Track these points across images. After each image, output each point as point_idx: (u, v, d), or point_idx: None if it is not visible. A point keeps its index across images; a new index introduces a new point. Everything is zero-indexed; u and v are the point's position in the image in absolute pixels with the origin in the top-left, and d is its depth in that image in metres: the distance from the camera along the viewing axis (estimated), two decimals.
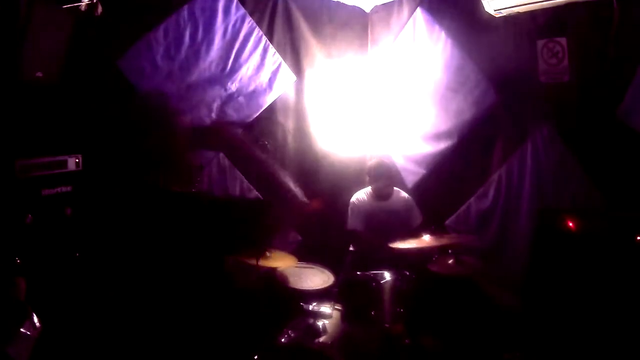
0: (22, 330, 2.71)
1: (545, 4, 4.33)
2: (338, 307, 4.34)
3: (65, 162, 3.73)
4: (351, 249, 5.02)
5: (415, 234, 4.54)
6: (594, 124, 4.28)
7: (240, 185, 5.14)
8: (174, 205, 2.21)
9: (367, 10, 5.70)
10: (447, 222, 5.13)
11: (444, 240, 4.35)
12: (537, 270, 4.31)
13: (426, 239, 4.35)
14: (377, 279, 4.23)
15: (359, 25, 5.69)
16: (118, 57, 4.53)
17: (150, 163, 2.26)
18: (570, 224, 4.10)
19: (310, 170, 5.51)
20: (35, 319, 2.70)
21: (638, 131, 4.07)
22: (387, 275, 4.25)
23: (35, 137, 3.77)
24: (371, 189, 5.04)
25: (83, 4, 4.04)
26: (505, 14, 4.52)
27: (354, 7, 5.63)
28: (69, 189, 3.71)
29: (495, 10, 4.48)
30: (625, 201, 4.10)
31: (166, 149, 2.24)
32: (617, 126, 4.14)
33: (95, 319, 2.39)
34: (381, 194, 4.99)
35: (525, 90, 4.63)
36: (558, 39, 4.42)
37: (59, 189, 3.65)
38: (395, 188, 5.08)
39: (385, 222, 4.87)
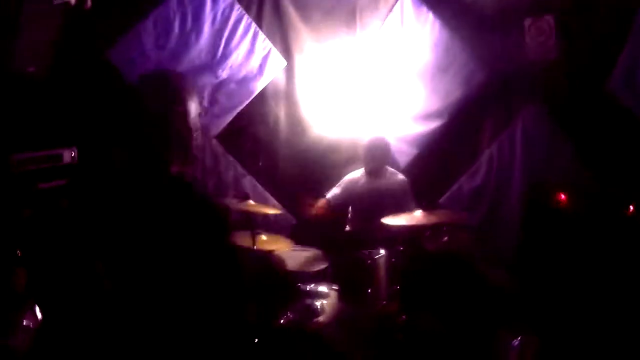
0: (23, 321, 2.77)
1: None
2: (335, 287, 4.43)
3: (60, 156, 3.78)
4: (347, 229, 5.09)
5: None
6: (583, 100, 4.34)
7: (234, 170, 5.19)
8: (170, 191, 2.24)
9: None
10: (440, 200, 5.18)
11: (435, 217, 4.37)
12: (528, 245, 4.38)
13: (418, 216, 4.36)
14: (372, 257, 4.28)
15: (347, 8, 5.69)
16: (109, 49, 4.56)
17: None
18: (561, 199, 4.17)
19: (303, 154, 5.55)
20: (37, 310, 2.75)
21: (626, 105, 4.13)
22: (382, 253, 4.30)
23: (30, 131, 3.82)
24: (364, 167, 5.07)
25: None
26: None
27: None
28: (64, 181, 3.77)
29: None
30: (614, 176, 4.16)
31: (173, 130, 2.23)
32: (606, 101, 4.21)
33: (94, 310, 2.43)
34: (374, 172, 5.00)
35: (514, 68, 4.69)
36: (545, 16, 4.47)
37: (55, 182, 3.71)
38: (390, 169, 5.11)
39: (379, 202, 4.86)
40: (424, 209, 4.39)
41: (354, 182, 5.07)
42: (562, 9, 4.41)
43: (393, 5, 5.43)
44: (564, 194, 4.16)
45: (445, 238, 4.34)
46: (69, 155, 3.82)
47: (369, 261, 4.27)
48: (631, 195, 3.92)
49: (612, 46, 4.20)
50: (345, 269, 4.43)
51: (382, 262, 4.29)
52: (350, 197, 5.04)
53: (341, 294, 4.36)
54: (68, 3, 3.94)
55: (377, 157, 4.97)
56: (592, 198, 4.11)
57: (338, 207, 5.01)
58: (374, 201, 4.90)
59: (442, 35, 5.10)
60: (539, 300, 4.13)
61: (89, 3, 4.13)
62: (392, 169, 5.14)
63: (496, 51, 4.73)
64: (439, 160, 5.27)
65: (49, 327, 2.59)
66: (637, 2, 4.11)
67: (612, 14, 4.16)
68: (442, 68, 5.12)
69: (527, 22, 4.52)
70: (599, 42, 4.24)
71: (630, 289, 3.70)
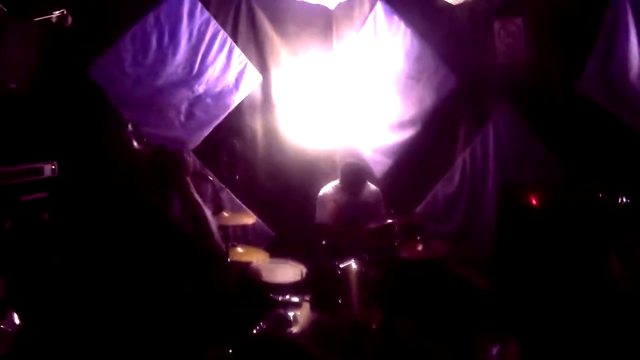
0: (1, 326, 2.78)
1: None
2: (307, 297, 4.40)
3: (41, 169, 3.87)
4: (323, 242, 5.07)
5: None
6: (553, 100, 4.32)
7: (211, 184, 5.20)
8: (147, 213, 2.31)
9: (331, 7, 5.79)
10: (416, 209, 5.15)
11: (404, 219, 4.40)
12: (503, 248, 4.34)
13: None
14: (342, 267, 4.28)
15: (323, 22, 5.78)
16: (89, 66, 4.63)
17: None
18: (532, 198, 4.13)
19: (280, 166, 5.57)
20: (15, 316, 2.77)
21: (597, 102, 4.10)
22: (353, 263, 4.29)
23: (11, 146, 3.91)
24: (342, 186, 5.06)
25: (54, 16, 4.15)
26: (462, 1, 4.59)
27: (317, 5, 5.72)
28: (45, 194, 3.84)
29: None
30: (586, 172, 4.12)
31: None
32: (576, 100, 4.18)
33: (72, 318, 2.45)
34: (352, 192, 5.02)
35: (485, 72, 4.70)
36: (514, 19, 4.48)
37: (36, 195, 3.78)
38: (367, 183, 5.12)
39: (354, 215, 4.88)
40: (392, 215, 4.42)
41: (329, 197, 5.07)
42: (531, 10, 4.41)
43: (367, 17, 5.51)
44: (537, 193, 4.12)
45: (420, 247, 4.31)
46: (50, 168, 3.92)
47: (340, 271, 4.26)
48: (605, 190, 3.87)
49: (581, 46, 4.18)
50: (317, 279, 4.43)
51: (353, 271, 4.27)
52: (329, 211, 5.03)
53: (313, 304, 4.35)
54: (49, 20, 4.04)
55: (354, 183, 4.99)
56: (566, 196, 4.07)
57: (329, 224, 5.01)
58: (348, 214, 4.91)
59: (413, 44, 5.14)
60: (517, 303, 4.08)
61: (70, 20, 4.23)
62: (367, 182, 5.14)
63: (466, 56, 4.76)
64: (414, 169, 5.27)
65: (27, 332, 2.61)
66: (605, 4, 4.10)
67: (581, 14, 4.15)
68: (414, 76, 5.15)
69: (497, 25, 4.53)
70: (569, 42, 4.23)
71: (605, 286, 3.63)
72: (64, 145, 4.20)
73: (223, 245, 2.84)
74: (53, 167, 3.93)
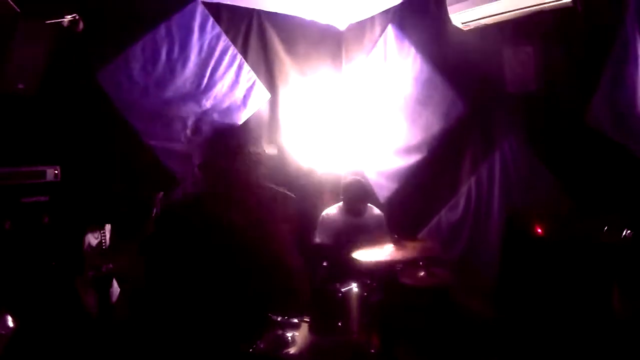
0: None
1: (511, 15, 4.40)
2: (306, 319, 4.35)
3: (44, 173, 3.90)
4: (324, 264, 5.02)
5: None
6: (562, 131, 4.31)
7: None
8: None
9: (342, 28, 5.84)
10: (419, 234, 5.12)
11: (406, 252, 4.32)
12: (507, 277, 4.30)
13: (388, 251, 4.32)
14: (343, 290, 4.23)
15: (333, 43, 5.83)
16: (98, 71, 4.61)
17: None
18: (538, 227, 4.11)
19: (284, 186, 5.49)
20: (9, 318, 2.72)
21: (604, 134, 4.08)
22: (354, 287, 4.24)
23: (15, 147, 3.89)
24: (344, 205, 5.06)
25: (65, 20, 4.15)
26: (472, 27, 4.59)
27: (328, 25, 5.77)
28: (46, 198, 3.83)
29: (463, 24, 4.55)
30: (595, 205, 4.10)
31: None
32: (586, 132, 4.17)
33: (69, 319, 2.43)
34: (355, 211, 5.01)
35: (493, 100, 4.66)
36: (524, 47, 4.47)
37: (37, 198, 3.77)
38: (368, 204, 5.09)
39: (356, 237, 4.79)
40: (395, 243, 4.37)
41: (332, 218, 5.06)
42: (542, 40, 4.41)
43: (377, 40, 5.54)
44: (543, 223, 4.10)
45: (422, 273, 4.26)
46: (52, 172, 3.91)
47: (340, 294, 4.21)
48: (613, 223, 3.86)
49: (591, 76, 4.19)
50: (317, 301, 4.37)
51: (353, 295, 4.23)
52: (330, 233, 5.01)
53: (312, 326, 4.30)
54: (61, 24, 4.04)
55: (357, 199, 4.99)
56: (572, 228, 4.05)
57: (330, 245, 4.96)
58: (350, 237, 4.84)
59: (422, 69, 5.14)
60: (521, 332, 4.03)
61: (82, 25, 4.23)
62: (370, 205, 5.13)
63: (475, 83, 4.73)
64: (419, 194, 5.23)
65: (22, 335, 2.56)
66: (614, 33, 4.13)
67: (591, 44, 4.16)
68: (422, 101, 5.14)
69: (507, 53, 4.52)
70: (579, 72, 4.23)
71: (610, 318, 3.60)
72: (68, 150, 4.20)
73: None
74: (56, 171, 3.97)
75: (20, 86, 3.76)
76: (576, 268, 3.82)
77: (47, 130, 4.16)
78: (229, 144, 5.20)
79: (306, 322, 4.34)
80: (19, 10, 3.63)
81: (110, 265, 3.65)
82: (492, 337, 4.23)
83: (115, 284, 3.77)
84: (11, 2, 3.54)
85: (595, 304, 3.69)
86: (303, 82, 5.63)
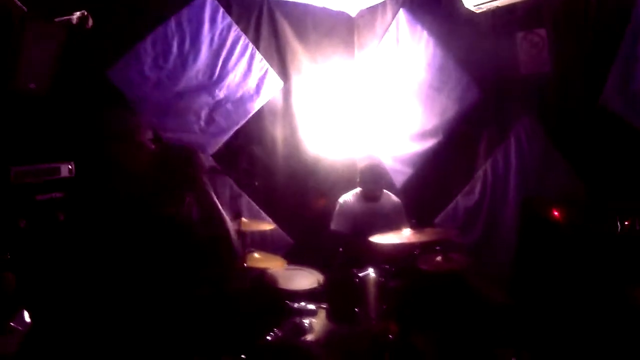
0: (11, 324, 2.79)
1: None
2: (323, 305, 4.37)
3: (58, 169, 3.87)
4: (341, 250, 5.03)
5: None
6: (576, 114, 4.25)
7: (230, 190, 5.20)
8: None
9: (353, 14, 5.79)
10: (435, 220, 5.11)
11: (424, 236, 4.31)
12: (523, 262, 4.29)
13: (406, 235, 4.32)
14: (361, 277, 4.24)
15: (345, 29, 5.78)
16: (108, 68, 4.63)
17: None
18: (555, 213, 4.07)
19: (300, 174, 5.58)
20: (26, 315, 2.77)
21: (620, 116, 4.02)
22: (371, 273, 4.24)
23: (29, 145, 3.93)
24: (360, 190, 5.06)
25: (74, 17, 4.17)
26: (484, 9, 4.53)
27: (339, 12, 5.73)
28: (61, 194, 3.85)
29: (475, 6, 4.48)
30: (608, 190, 4.05)
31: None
32: (599, 114, 4.10)
33: (84, 319, 2.45)
34: (371, 196, 5.00)
35: (507, 83, 4.62)
36: (537, 30, 4.40)
37: (52, 195, 3.80)
38: (385, 191, 5.08)
39: (373, 224, 4.79)
40: (413, 227, 4.36)
41: (349, 205, 5.06)
42: (554, 22, 4.34)
43: (389, 25, 5.48)
44: (559, 209, 4.06)
45: (439, 257, 4.25)
46: (67, 168, 3.93)
47: (358, 280, 4.22)
48: (627, 208, 3.80)
49: (605, 58, 4.11)
50: (334, 287, 4.40)
51: (371, 281, 4.23)
52: (348, 219, 5.01)
53: (330, 313, 4.33)
54: (70, 21, 4.06)
55: (373, 182, 4.97)
56: (588, 212, 4.00)
57: (347, 232, 4.97)
58: (367, 223, 4.84)
59: (436, 53, 5.09)
60: (536, 318, 4.03)
61: (91, 22, 4.25)
62: (387, 192, 5.12)
63: (489, 67, 4.68)
64: (435, 179, 5.22)
65: (38, 331, 2.61)
66: (628, 14, 4.03)
67: (604, 26, 4.08)
68: (436, 86, 5.10)
69: (520, 36, 4.46)
70: (592, 54, 4.16)
71: (625, 304, 3.57)
72: (81, 147, 4.22)
73: (240, 247, 2.82)
74: (70, 167, 3.95)
75: (32, 86, 3.78)
76: (593, 254, 3.79)
77: (60, 128, 4.19)
78: None
79: (323, 309, 4.38)
80: (26, 9, 3.65)
81: None
82: (508, 323, 4.22)
83: None
84: (18, 2, 3.55)
85: (611, 294, 3.66)
86: (316, 69, 5.60)
